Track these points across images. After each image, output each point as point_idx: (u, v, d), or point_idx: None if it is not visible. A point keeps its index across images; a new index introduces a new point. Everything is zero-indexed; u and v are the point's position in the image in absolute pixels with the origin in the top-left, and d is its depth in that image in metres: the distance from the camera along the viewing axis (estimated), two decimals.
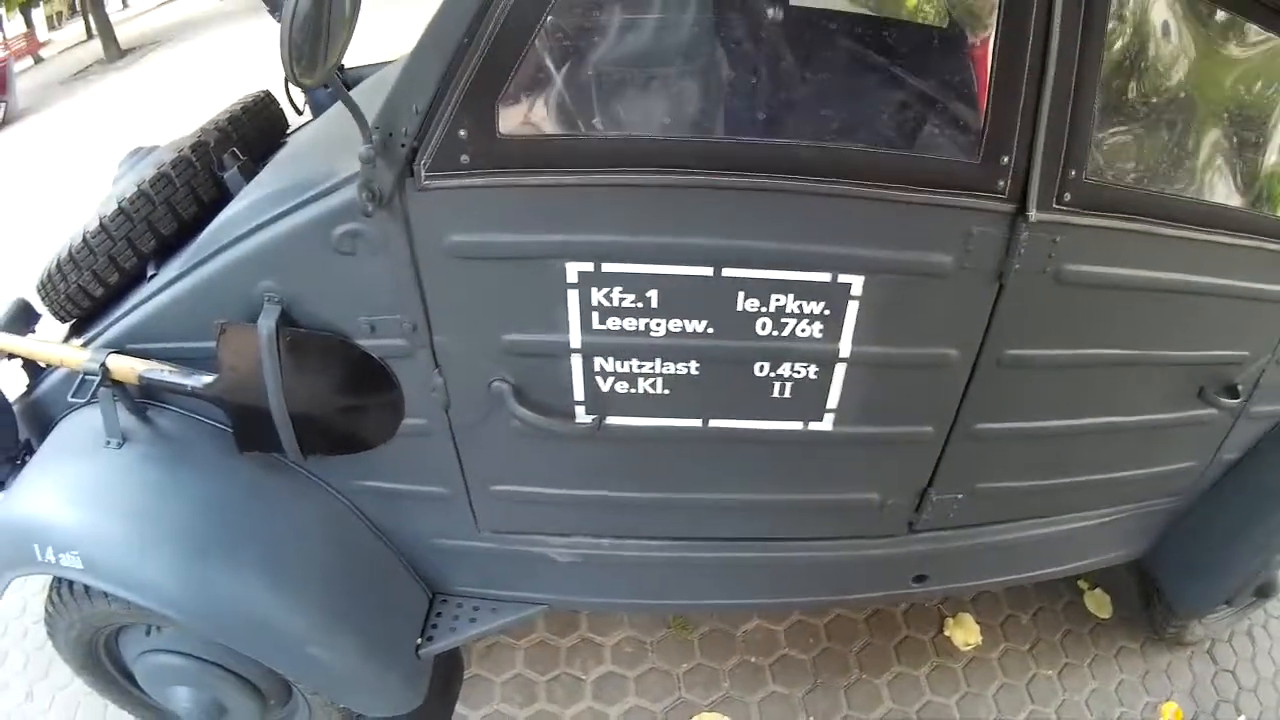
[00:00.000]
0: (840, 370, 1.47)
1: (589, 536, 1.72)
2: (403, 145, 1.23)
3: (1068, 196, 1.33)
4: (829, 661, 2.36)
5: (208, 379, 1.48)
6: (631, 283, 1.35)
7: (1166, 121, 1.60)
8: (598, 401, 1.49)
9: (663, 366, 1.45)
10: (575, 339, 1.41)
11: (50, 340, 1.68)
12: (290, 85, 1.09)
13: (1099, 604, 2.55)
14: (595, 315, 1.38)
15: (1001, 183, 1.31)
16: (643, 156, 1.27)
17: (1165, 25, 1.48)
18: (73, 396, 1.55)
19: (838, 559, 1.80)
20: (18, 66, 12.36)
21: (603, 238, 1.32)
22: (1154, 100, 1.56)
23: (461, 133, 1.23)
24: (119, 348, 1.53)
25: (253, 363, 1.43)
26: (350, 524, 1.69)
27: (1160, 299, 1.52)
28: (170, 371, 1.51)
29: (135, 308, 1.54)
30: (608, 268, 1.33)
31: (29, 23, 17.48)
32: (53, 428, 1.69)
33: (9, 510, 1.55)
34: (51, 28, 19.29)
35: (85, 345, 1.58)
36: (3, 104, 10.52)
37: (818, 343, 1.43)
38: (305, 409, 1.49)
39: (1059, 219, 1.34)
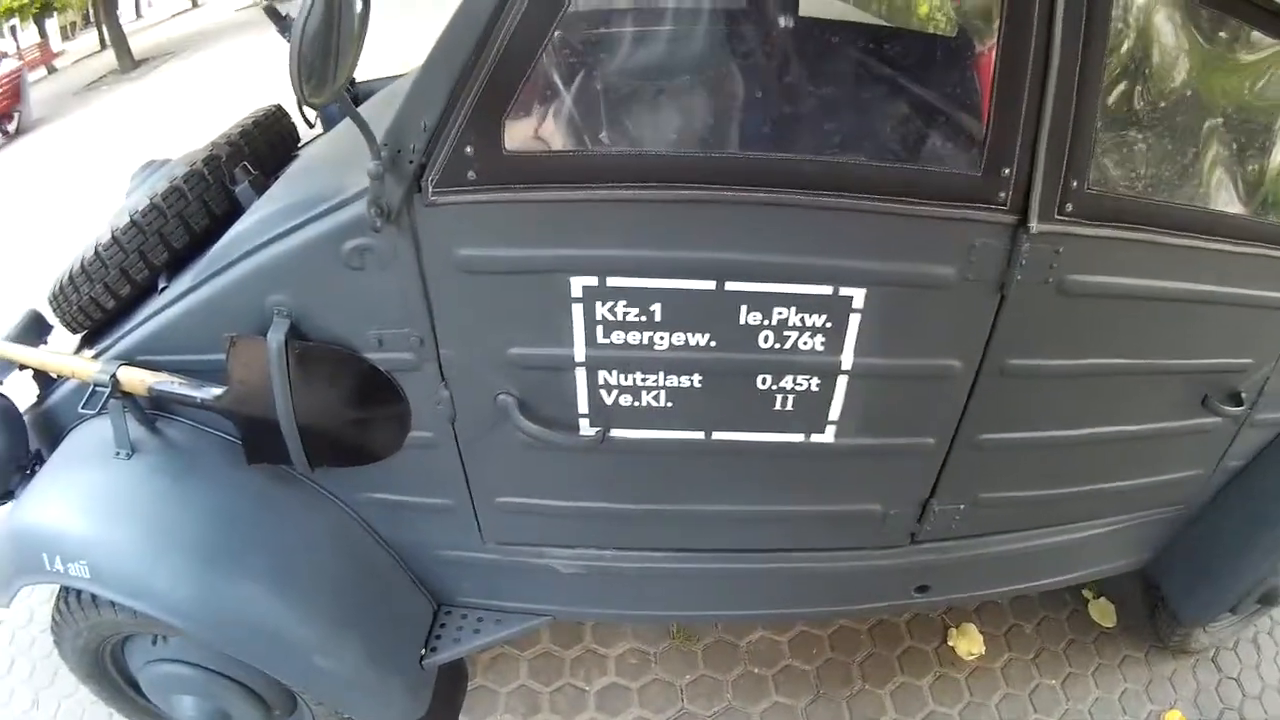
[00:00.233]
0: (842, 382, 1.47)
1: (593, 548, 1.73)
2: (411, 162, 1.25)
3: (1069, 207, 1.33)
4: (832, 672, 2.36)
5: (217, 391, 1.50)
6: (635, 297, 1.36)
7: (1168, 130, 1.61)
8: (602, 414, 1.50)
9: (666, 379, 1.46)
10: (580, 353, 1.42)
11: (61, 351, 1.70)
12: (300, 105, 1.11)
13: (1103, 613, 2.54)
14: (600, 329, 1.40)
15: (1003, 194, 1.31)
16: (646, 172, 1.29)
17: (1166, 34, 1.48)
18: (83, 407, 1.56)
19: (840, 570, 1.80)
20: (32, 77, 12.45)
21: (607, 252, 1.33)
22: (1155, 109, 1.57)
23: (468, 149, 1.24)
24: (129, 359, 1.55)
25: (262, 375, 1.44)
26: (357, 535, 1.70)
27: (1163, 308, 1.52)
28: (180, 383, 1.52)
29: (146, 320, 1.56)
30: (612, 282, 1.35)
31: (43, 33, 17.64)
32: (63, 438, 1.71)
33: (18, 519, 1.57)
34: (65, 38, 19.45)
35: (96, 357, 1.60)
36: (17, 114, 10.61)
37: (819, 355, 1.44)
38: (313, 421, 1.50)
39: (1061, 230, 1.34)
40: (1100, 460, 1.77)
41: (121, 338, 1.59)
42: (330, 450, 1.56)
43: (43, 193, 7.09)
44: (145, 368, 1.53)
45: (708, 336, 1.41)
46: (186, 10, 21.14)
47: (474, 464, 1.59)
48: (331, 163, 1.68)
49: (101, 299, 1.75)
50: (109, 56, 14.40)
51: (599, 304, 1.37)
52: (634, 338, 1.41)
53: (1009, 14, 1.23)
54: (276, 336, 1.40)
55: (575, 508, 1.66)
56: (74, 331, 1.87)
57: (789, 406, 1.50)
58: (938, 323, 1.44)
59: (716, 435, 1.54)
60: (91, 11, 17.89)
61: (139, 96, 11.40)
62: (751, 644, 2.42)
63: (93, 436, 1.61)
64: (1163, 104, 1.60)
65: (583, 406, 1.49)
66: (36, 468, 1.73)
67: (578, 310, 1.37)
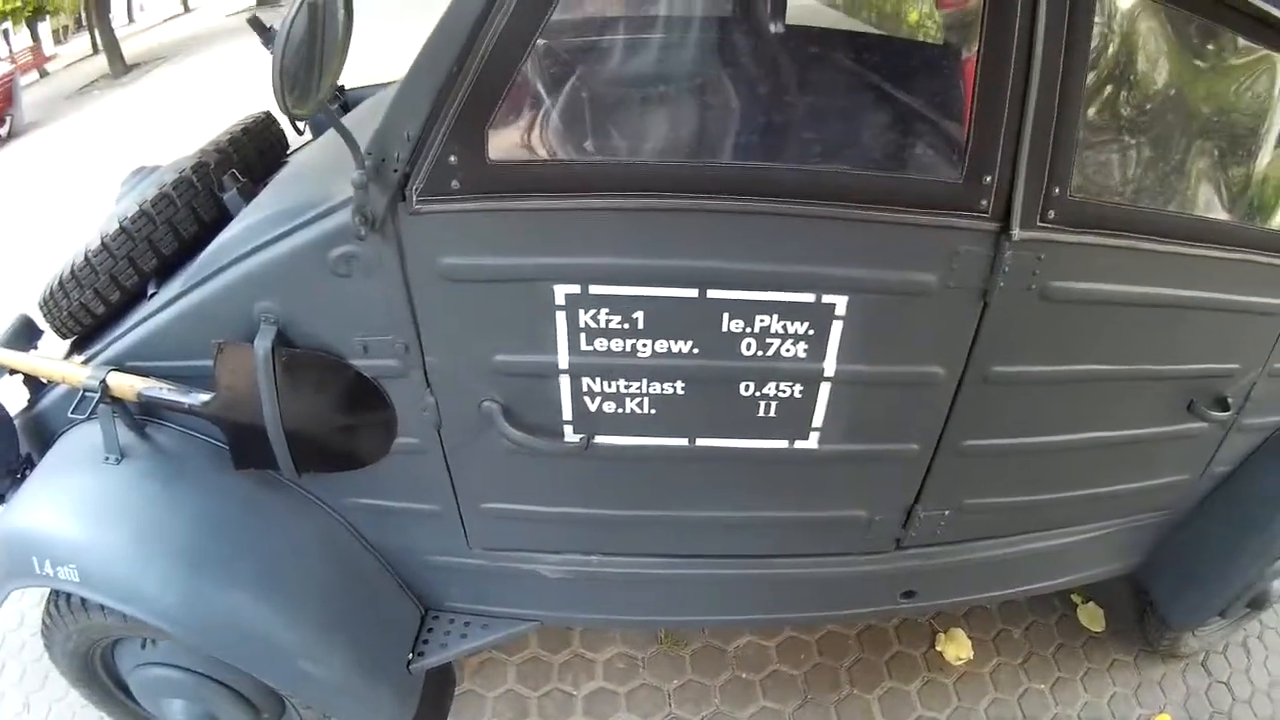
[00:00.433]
0: (825, 389, 1.48)
1: (578, 554, 1.73)
2: (395, 171, 1.26)
3: (1052, 214, 1.34)
4: (820, 677, 2.37)
5: (205, 397, 1.51)
6: (618, 304, 1.37)
7: (1150, 137, 1.61)
8: (586, 421, 1.50)
9: (649, 387, 1.47)
10: (563, 360, 1.43)
11: (52, 357, 1.71)
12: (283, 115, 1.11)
13: (1092, 617, 2.55)
14: (583, 336, 1.40)
15: (985, 201, 1.32)
16: (628, 181, 1.30)
17: (1148, 41, 1.49)
18: (73, 412, 1.57)
19: (826, 575, 1.81)
20: (24, 80, 12.39)
21: (589, 260, 1.34)
22: (1138, 116, 1.58)
23: (452, 159, 1.25)
24: (119, 365, 1.55)
25: (249, 382, 1.45)
26: (344, 540, 1.71)
27: (1148, 314, 1.53)
28: (169, 389, 1.53)
29: (135, 326, 1.57)
30: (595, 290, 1.35)
31: (35, 36, 17.56)
32: (53, 442, 1.71)
33: (8, 523, 1.57)
34: (58, 42, 19.36)
35: (86, 362, 1.60)
36: (9, 118, 10.57)
37: (802, 362, 1.44)
38: (300, 427, 1.51)
39: (1043, 236, 1.35)
40: (1086, 466, 1.78)
41: (111, 343, 1.60)
42: (317, 456, 1.56)
43: (35, 197, 7.08)
44: (134, 373, 1.54)
45: (690, 344, 1.42)
46: (178, 15, 21.08)
47: (460, 470, 1.60)
48: (319, 170, 1.69)
49: (91, 304, 1.76)
50: (101, 61, 14.35)
51: (582, 311, 1.38)
52: (617, 345, 1.41)
53: (990, 20, 1.23)
54: (263, 343, 1.41)
55: (561, 513, 1.66)
56: (64, 337, 1.87)
57: (772, 413, 1.51)
58: (920, 330, 1.45)
59: (700, 442, 1.54)
60: (84, 15, 17.85)
61: (131, 101, 11.38)
62: (739, 649, 2.43)
63: (82, 441, 1.61)
64: (1145, 110, 1.60)
65: (567, 413, 1.50)
66: (27, 472, 1.73)
67: (561, 318, 1.38)
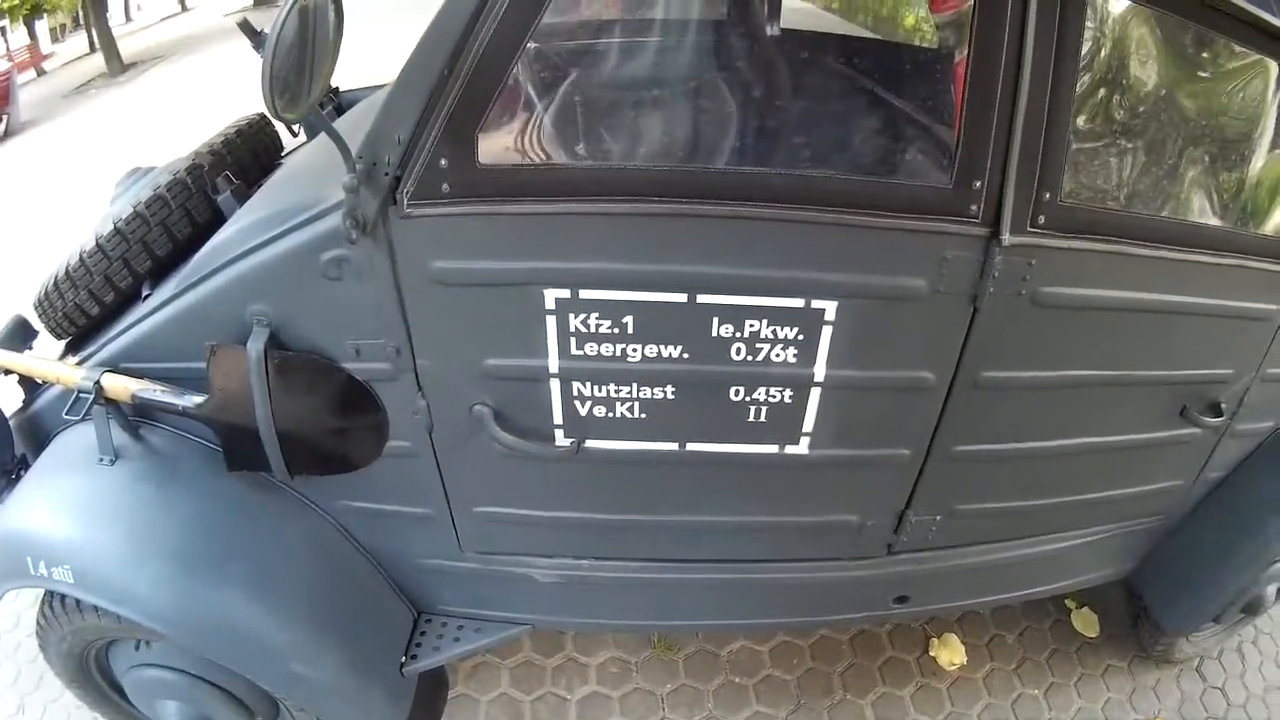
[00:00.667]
0: (815, 394, 1.48)
1: (570, 558, 1.74)
2: (386, 174, 1.26)
3: (1042, 219, 1.34)
4: (813, 682, 2.37)
5: (198, 399, 1.51)
6: (608, 309, 1.37)
7: (1141, 142, 1.61)
8: (576, 425, 1.51)
9: (639, 391, 1.47)
10: (554, 364, 1.43)
11: (47, 357, 1.71)
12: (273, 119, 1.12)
13: (1086, 623, 2.55)
14: (573, 341, 1.41)
15: (974, 207, 1.32)
16: (618, 185, 1.30)
17: (1139, 46, 1.49)
18: (67, 413, 1.57)
19: (817, 580, 1.81)
20: (21, 79, 12.39)
21: (579, 265, 1.34)
22: (1129, 121, 1.57)
23: (442, 162, 1.25)
24: (113, 366, 1.56)
25: (242, 384, 1.45)
26: (336, 543, 1.71)
27: (1139, 319, 1.52)
28: (162, 391, 1.53)
29: (130, 328, 1.57)
30: (585, 294, 1.36)
31: (33, 35, 17.57)
32: (48, 443, 1.72)
33: (3, 524, 1.57)
34: (55, 40, 19.39)
35: (80, 364, 1.61)
36: (6, 116, 10.56)
37: (792, 367, 1.45)
38: (292, 430, 1.51)
39: (1033, 242, 1.35)
40: (1078, 471, 1.78)
41: (105, 345, 1.60)
42: (309, 458, 1.56)
43: (32, 196, 7.08)
44: (129, 375, 1.54)
45: (680, 349, 1.42)
46: (176, 14, 21.11)
47: (451, 473, 1.60)
48: (312, 173, 1.69)
49: (86, 305, 1.77)
50: (98, 60, 14.35)
51: (572, 316, 1.38)
52: (607, 350, 1.42)
53: (980, 24, 1.23)
54: (256, 345, 1.41)
55: (552, 518, 1.66)
56: (59, 337, 1.88)
57: (762, 418, 1.51)
58: (910, 335, 1.45)
59: (691, 446, 1.55)
60: (81, 14, 17.86)
61: (127, 100, 11.38)
62: (732, 653, 2.43)
63: (77, 442, 1.62)
64: (1136, 115, 1.60)
65: (558, 417, 1.50)
66: (21, 472, 1.73)
67: (551, 322, 1.38)
